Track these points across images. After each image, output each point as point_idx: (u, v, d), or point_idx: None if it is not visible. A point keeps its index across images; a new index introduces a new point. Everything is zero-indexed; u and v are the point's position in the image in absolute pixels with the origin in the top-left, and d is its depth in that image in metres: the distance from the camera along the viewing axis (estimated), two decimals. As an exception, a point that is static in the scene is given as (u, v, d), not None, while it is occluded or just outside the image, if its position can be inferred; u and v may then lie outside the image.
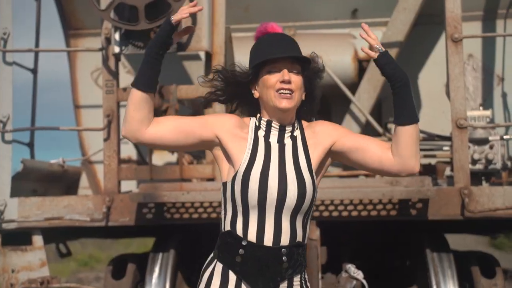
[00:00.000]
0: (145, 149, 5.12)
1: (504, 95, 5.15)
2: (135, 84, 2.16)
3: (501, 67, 5.16)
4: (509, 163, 4.66)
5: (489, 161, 4.32)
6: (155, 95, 4.01)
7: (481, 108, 4.68)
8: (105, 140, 4.22)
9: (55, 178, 4.98)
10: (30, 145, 5.04)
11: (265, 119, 2.16)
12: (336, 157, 2.20)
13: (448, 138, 4.48)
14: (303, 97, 2.16)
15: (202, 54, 4.73)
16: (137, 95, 2.14)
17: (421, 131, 4.78)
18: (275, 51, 2.09)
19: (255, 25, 5.17)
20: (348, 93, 4.79)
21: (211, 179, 4.22)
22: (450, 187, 3.92)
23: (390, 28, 4.65)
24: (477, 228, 5.46)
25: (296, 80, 2.11)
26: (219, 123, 2.15)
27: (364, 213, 3.89)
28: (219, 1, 4.29)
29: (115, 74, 4.25)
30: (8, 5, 4.26)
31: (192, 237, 4.55)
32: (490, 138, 4.29)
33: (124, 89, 4.28)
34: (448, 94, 4.06)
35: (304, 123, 2.23)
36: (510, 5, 5.09)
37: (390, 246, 4.85)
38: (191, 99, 4.57)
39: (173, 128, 2.14)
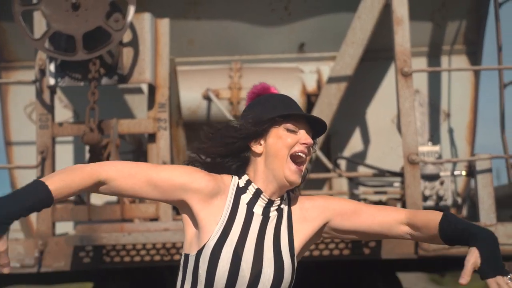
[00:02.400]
0: (82, 188, 4.82)
1: (450, 131, 5.16)
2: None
3: (447, 102, 5.19)
4: (459, 199, 4.62)
5: (440, 197, 4.26)
6: (93, 130, 3.80)
7: (429, 143, 4.65)
8: (39, 178, 3.91)
9: (-18, 220, 4.58)
10: (-45, 184, 4.65)
11: (255, 186, 1.78)
12: (330, 235, 1.87)
13: (399, 174, 4.40)
14: None
15: (144, 87, 4.54)
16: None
17: (372, 167, 4.70)
18: (299, 110, 1.79)
19: (200, 58, 5.13)
20: (296, 128, 4.67)
21: (155, 219, 3.97)
22: (404, 225, 3.81)
23: (339, 63, 4.59)
24: (429, 267, 5.39)
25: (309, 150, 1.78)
26: (190, 186, 1.74)
27: (315, 253, 3.73)
28: (162, 31, 4.11)
29: (50, 108, 3.98)
30: None
31: (134, 282, 4.26)
32: (441, 174, 4.24)
33: (60, 124, 4.01)
34: (399, 128, 3.99)
35: (293, 196, 1.87)
36: (454, 41, 5.14)
37: (343, 287, 4.69)
38: (133, 134, 4.34)
39: (130, 184, 1.72)
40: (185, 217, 1.79)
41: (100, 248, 3.76)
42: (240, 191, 1.78)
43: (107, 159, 3.95)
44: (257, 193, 1.78)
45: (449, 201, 4.30)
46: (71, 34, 3.70)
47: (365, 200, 4.67)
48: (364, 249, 3.73)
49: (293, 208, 1.83)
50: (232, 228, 1.73)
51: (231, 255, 1.69)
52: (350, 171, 5.00)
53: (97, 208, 4.13)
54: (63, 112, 5.10)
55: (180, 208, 1.80)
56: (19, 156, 5.22)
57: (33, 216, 4.77)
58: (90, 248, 3.77)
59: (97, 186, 1.73)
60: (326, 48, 5.07)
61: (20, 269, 3.76)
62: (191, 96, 4.83)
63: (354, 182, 4.89)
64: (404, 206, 4.15)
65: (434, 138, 5.09)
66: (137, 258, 3.75)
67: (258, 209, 1.77)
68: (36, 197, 1.63)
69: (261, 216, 1.77)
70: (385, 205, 1.90)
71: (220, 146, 1.78)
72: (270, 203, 1.78)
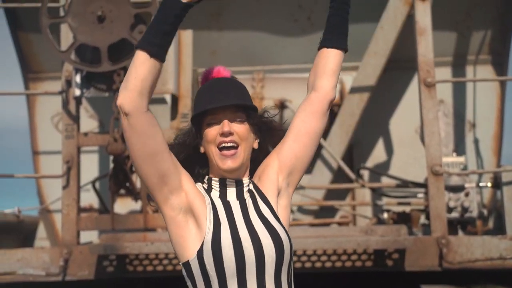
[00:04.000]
0: (107, 197, 4.87)
1: (476, 141, 5.10)
2: (142, 44, 1.74)
3: (472, 113, 5.13)
4: (484, 211, 4.56)
5: (465, 209, 4.20)
6: (117, 140, 3.84)
7: (454, 154, 4.60)
8: (64, 188, 3.98)
9: (9, 229, 4.67)
10: (-17, 193, 4.74)
11: (217, 179, 1.85)
12: (292, 177, 1.88)
13: (422, 185, 4.36)
14: (256, 146, 1.86)
15: (168, 97, 4.58)
16: (141, 59, 1.73)
17: (395, 178, 4.66)
18: (213, 100, 1.80)
19: (223, 69, 5.16)
20: (319, 138, 4.66)
21: (177, 229, 3.99)
22: (427, 237, 3.78)
23: (361, 73, 4.58)
24: (454, 279, 5.31)
25: (240, 130, 1.81)
26: (193, 189, 1.82)
27: (338, 264, 3.71)
28: (185, 42, 4.16)
29: (75, 118, 4.04)
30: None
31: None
32: (466, 185, 4.19)
33: (85, 134, 4.07)
34: (422, 139, 3.96)
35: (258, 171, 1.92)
36: (479, 51, 5.09)
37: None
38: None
39: (161, 137, 1.76)
40: (171, 226, 1.79)
41: (123, 257, 3.79)
42: (207, 191, 1.85)
43: (131, 169, 3.99)
44: (222, 182, 1.85)
45: (474, 213, 4.24)
46: (96, 46, 3.76)
47: (388, 211, 4.63)
48: (387, 261, 3.70)
49: (256, 181, 1.89)
50: (220, 220, 1.79)
51: (230, 239, 1.75)
52: (373, 181, 4.97)
53: (120, 217, 4.17)
54: (88, 122, 5.17)
55: (169, 198, 1.78)
56: (45, 165, 5.30)
57: (59, 224, 4.84)
58: (114, 257, 3.80)
59: (147, 99, 1.77)
60: (349, 58, 4.99)
61: (45, 277, 3.81)
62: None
63: (377, 193, 4.85)
64: (428, 217, 4.11)
65: (460, 148, 5.03)
66: (160, 268, 3.78)
67: (231, 196, 1.85)
68: None
69: (237, 201, 1.84)
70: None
71: (182, 153, 1.86)
72: (240, 184, 1.85)
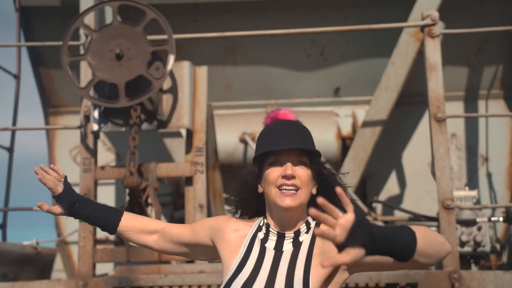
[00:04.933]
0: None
1: (489, 175, 5.11)
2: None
3: (484, 147, 5.15)
4: (497, 246, 4.54)
5: (477, 243, 4.20)
6: (133, 174, 3.93)
7: (466, 188, 4.61)
8: (81, 220, 4.05)
9: (27, 261, 4.75)
10: (3, 226, 4.85)
11: (265, 222, 1.88)
12: (356, 269, 1.81)
13: (435, 219, 4.38)
14: (314, 191, 1.84)
15: (183, 131, 4.67)
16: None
17: (407, 211, 4.68)
18: (277, 142, 1.81)
19: (237, 102, 5.26)
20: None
21: (191, 261, 4.04)
22: (439, 271, 3.78)
23: (373, 107, 4.65)
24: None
25: (302, 174, 1.80)
26: (215, 229, 1.93)
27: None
28: (201, 78, 4.26)
29: (93, 152, 4.14)
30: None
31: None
32: (477, 219, 4.20)
33: (102, 168, 4.16)
34: (433, 173, 3.99)
35: (323, 227, 1.74)
36: (491, 86, 5.14)
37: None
38: (171, 177, 4.45)
39: (178, 238, 2.00)
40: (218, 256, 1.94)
41: (137, 290, 3.83)
42: (258, 229, 1.87)
43: (146, 201, 4.07)
44: (267, 228, 1.85)
45: (487, 247, 4.24)
46: (114, 82, 3.87)
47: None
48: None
49: (317, 241, 1.81)
50: (246, 264, 1.80)
51: (240, 286, 1.76)
52: (386, 215, 4.98)
53: (135, 249, 4.23)
54: (106, 155, 5.29)
55: (214, 251, 1.95)
56: (63, 197, 5.39)
57: (75, 256, 4.91)
58: (128, 289, 3.85)
59: (147, 235, 2.08)
60: (361, 92, 5.13)
61: (61, 309, 3.86)
62: (227, 140, 4.95)
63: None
64: (440, 251, 4.11)
65: (472, 182, 5.04)
66: (173, 300, 3.80)
67: (270, 243, 1.83)
68: None
69: (273, 251, 1.81)
70: None
71: (243, 197, 1.92)
72: (281, 236, 1.83)
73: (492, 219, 4.27)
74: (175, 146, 5.05)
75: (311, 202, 1.84)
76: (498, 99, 5.15)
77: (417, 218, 4.60)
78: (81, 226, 4.05)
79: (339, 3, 4.91)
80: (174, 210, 5.07)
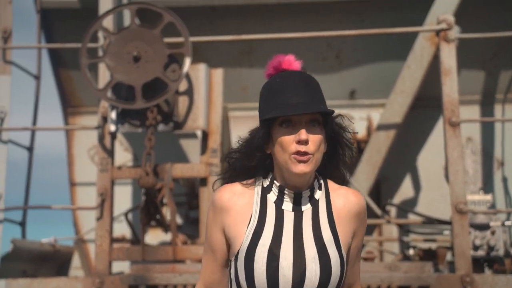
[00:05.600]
0: (139, 228, 5.02)
1: (504, 180, 5.10)
2: None
3: (500, 151, 5.14)
4: (511, 250, 4.53)
5: (491, 248, 4.19)
6: (149, 174, 4.01)
7: (481, 192, 4.61)
8: (98, 219, 4.13)
9: (46, 258, 4.85)
10: (22, 223, 4.95)
11: (277, 184, 1.73)
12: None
13: (449, 222, 4.38)
14: (325, 149, 1.72)
15: (198, 132, 4.73)
16: None
17: (421, 215, 4.69)
18: (290, 102, 1.66)
19: (253, 104, 5.29)
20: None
21: (205, 261, 4.09)
22: (451, 274, 3.79)
23: (388, 110, 4.66)
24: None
25: (315, 139, 1.67)
26: (220, 223, 1.74)
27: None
28: (216, 80, 4.32)
29: (110, 153, 4.22)
30: (7, 85, 4.31)
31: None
32: (491, 223, 4.19)
33: (119, 168, 4.23)
34: (447, 177, 4.00)
35: (332, 185, 1.78)
36: (507, 90, 5.13)
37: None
38: (186, 177, 4.51)
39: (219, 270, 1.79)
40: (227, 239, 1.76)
41: (152, 288, 3.90)
42: (265, 190, 1.74)
43: (161, 201, 4.14)
44: (281, 190, 1.72)
45: (500, 251, 4.23)
46: (131, 84, 3.94)
47: (414, 247, 4.65)
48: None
49: (332, 198, 1.74)
50: (264, 229, 1.68)
51: (266, 255, 1.64)
52: (400, 217, 5.00)
53: (151, 248, 4.30)
54: (123, 155, 5.37)
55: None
56: (82, 195, 5.49)
57: (93, 253, 5.00)
58: (143, 287, 3.91)
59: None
60: (377, 95, 5.15)
61: (77, 306, 3.93)
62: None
63: (404, 229, 4.88)
64: (453, 255, 4.12)
65: (488, 186, 5.03)
66: (188, 299, 3.86)
67: (287, 205, 1.71)
68: None
69: (292, 212, 1.70)
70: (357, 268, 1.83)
71: (243, 160, 1.76)
72: (298, 196, 1.72)
73: (506, 223, 4.27)
74: (191, 147, 5.11)
75: (323, 162, 1.75)
76: (514, 103, 5.13)
77: (431, 221, 4.61)
78: (98, 225, 4.12)
79: (355, 7, 4.94)
80: (189, 210, 5.14)
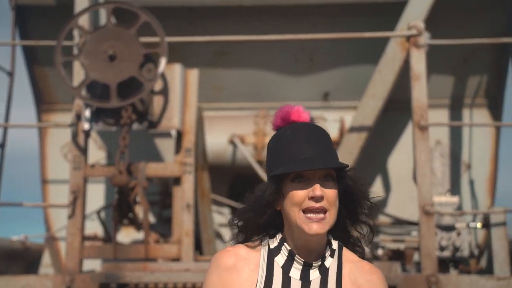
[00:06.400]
0: (111, 226, 5.03)
1: (471, 182, 5.23)
2: None
3: (468, 154, 5.27)
4: (476, 251, 4.66)
5: (456, 248, 4.31)
6: (122, 173, 4.02)
7: (448, 194, 4.73)
8: (70, 217, 4.14)
9: (15, 256, 4.82)
10: (-7, 219, 4.91)
11: (288, 247, 1.62)
12: None
13: (416, 223, 4.48)
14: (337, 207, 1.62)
15: (173, 132, 4.76)
16: None
17: (390, 216, 4.79)
18: (303, 157, 1.56)
19: (227, 105, 5.36)
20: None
21: (177, 259, 4.13)
22: (417, 274, 3.90)
23: (360, 113, 4.75)
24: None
25: (330, 194, 1.56)
26: (225, 277, 1.62)
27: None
28: (191, 80, 4.36)
29: (83, 151, 4.23)
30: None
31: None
32: (457, 225, 4.31)
33: (92, 166, 4.24)
34: (415, 179, 4.10)
35: (348, 255, 1.65)
36: (475, 95, 5.26)
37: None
38: (160, 177, 4.54)
39: None
40: None
41: (123, 286, 3.90)
42: (273, 252, 1.63)
43: (134, 200, 4.16)
44: (291, 255, 1.62)
45: (465, 252, 4.35)
46: (106, 83, 3.96)
47: (383, 247, 4.75)
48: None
49: (345, 267, 1.63)
50: None
51: None
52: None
53: (122, 246, 4.31)
54: (97, 153, 5.36)
55: None
56: (54, 192, 5.47)
57: (64, 251, 4.98)
58: (115, 286, 3.92)
59: None
60: (350, 98, 5.24)
61: (48, 303, 3.93)
62: (217, 141, 5.04)
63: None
64: (420, 255, 4.22)
65: (455, 188, 5.15)
66: (159, 297, 3.88)
67: (295, 273, 1.61)
68: None
69: (300, 281, 1.60)
70: None
71: (251, 218, 1.65)
72: (307, 265, 1.61)
73: (471, 225, 4.39)
74: (165, 146, 5.13)
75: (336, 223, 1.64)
76: (482, 108, 5.27)
77: (399, 222, 4.71)
78: (70, 223, 4.13)
79: (329, 10, 5.02)
80: (162, 209, 5.16)
